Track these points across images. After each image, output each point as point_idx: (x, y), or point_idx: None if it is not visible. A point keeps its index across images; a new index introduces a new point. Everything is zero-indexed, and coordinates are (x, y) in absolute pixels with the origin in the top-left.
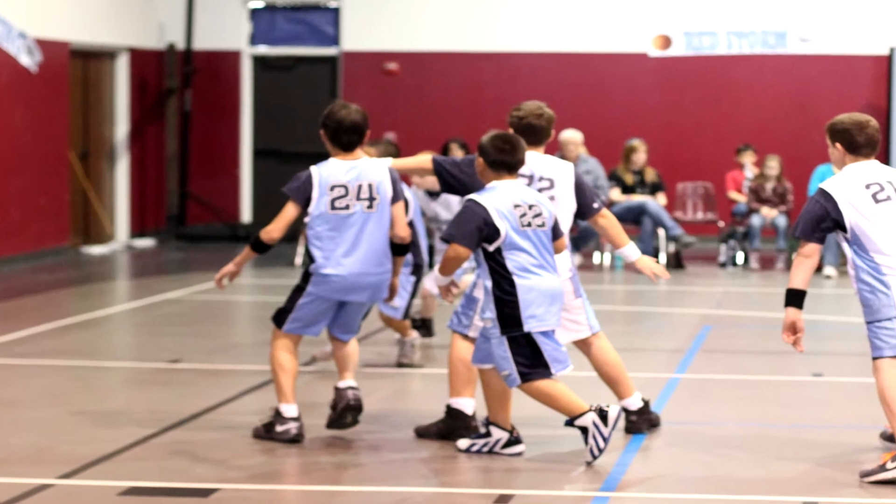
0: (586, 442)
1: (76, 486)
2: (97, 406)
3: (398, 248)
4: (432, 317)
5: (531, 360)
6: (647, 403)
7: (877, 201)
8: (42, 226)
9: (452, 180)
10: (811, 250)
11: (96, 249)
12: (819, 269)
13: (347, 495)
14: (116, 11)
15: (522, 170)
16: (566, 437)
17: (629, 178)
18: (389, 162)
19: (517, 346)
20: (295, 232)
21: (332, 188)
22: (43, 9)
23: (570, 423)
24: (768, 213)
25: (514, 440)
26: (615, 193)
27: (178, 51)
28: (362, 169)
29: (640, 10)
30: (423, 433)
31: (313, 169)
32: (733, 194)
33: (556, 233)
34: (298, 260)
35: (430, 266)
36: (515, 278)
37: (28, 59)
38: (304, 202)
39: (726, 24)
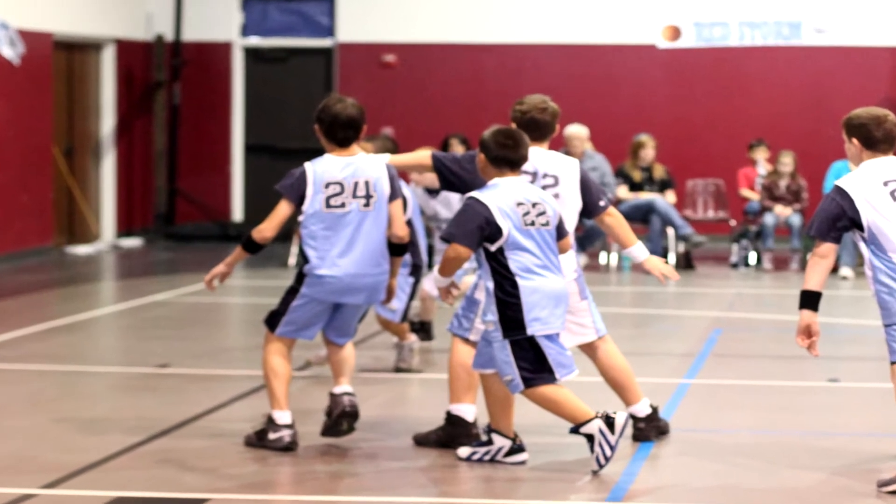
0: (592, 450)
1: (60, 497)
2: (82, 413)
3: (396, 248)
4: (432, 320)
5: (535, 364)
6: (655, 410)
7: (895, 199)
8: (24, 224)
9: (452, 177)
10: (827, 250)
11: (81, 249)
12: (835, 269)
13: None
14: (102, 1)
15: (526, 166)
16: (571, 444)
17: (637, 175)
18: (387, 158)
19: (520, 350)
20: (288, 231)
21: (328, 185)
22: None
23: (575, 430)
24: (782, 211)
25: (516, 448)
26: (622, 191)
27: (166, 42)
28: (359, 165)
29: (649, 0)
30: (421, 441)
31: (307, 165)
32: (745, 192)
33: (560, 232)
34: (292, 260)
35: (430, 267)
36: (518, 279)
37: (10, 51)
38: (298, 200)
39: (738, 15)
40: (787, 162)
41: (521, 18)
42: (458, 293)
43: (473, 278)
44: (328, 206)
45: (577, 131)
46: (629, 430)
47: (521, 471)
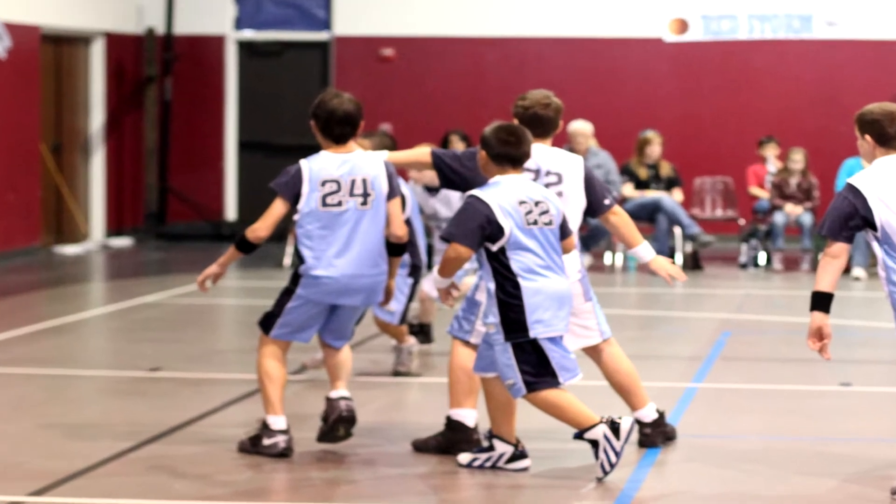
0: (597, 456)
1: None
2: (70, 418)
3: (394, 248)
4: (431, 322)
5: (537, 368)
6: (662, 415)
7: None
8: (11, 223)
9: (453, 175)
10: (839, 250)
11: (70, 249)
12: (847, 270)
13: None
14: None
15: (528, 164)
16: (575, 451)
17: (643, 173)
18: (385, 155)
19: (522, 353)
20: (283, 230)
21: (324, 183)
22: None
23: (579, 435)
24: (792, 210)
25: (518, 454)
26: (628, 189)
27: (157, 36)
28: (356, 163)
29: None
30: (421, 447)
31: (303, 163)
32: (755, 190)
33: (564, 231)
34: (287, 261)
35: (429, 267)
36: (521, 280)
37: None
38: (294, 198)
39: (747, 7)
40: (797, 159)
41: (523, 11)
42: (459, 294)
43: (474, 279)
44: (324, 204)
45: (581, 128)
46: (635, 436)
47: (523, 478)
